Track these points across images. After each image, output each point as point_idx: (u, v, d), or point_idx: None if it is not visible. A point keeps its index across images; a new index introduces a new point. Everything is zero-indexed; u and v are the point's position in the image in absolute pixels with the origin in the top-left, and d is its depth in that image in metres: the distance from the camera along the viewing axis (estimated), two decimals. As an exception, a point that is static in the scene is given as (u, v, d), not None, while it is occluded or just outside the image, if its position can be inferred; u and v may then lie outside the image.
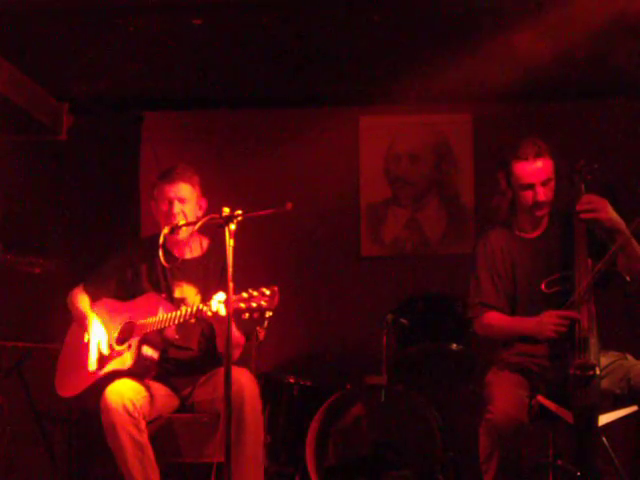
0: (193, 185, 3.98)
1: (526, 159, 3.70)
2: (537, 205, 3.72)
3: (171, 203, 3.92)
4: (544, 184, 3.71)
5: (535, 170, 3.70)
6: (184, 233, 3.93)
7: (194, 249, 4.06)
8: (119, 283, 4.03)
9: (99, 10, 4.39)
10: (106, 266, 4.10)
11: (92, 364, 3.84)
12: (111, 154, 5.64)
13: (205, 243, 4.08)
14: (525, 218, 3.83)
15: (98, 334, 3.87)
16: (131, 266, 4.03)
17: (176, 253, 4.02)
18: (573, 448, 3.45)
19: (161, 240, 3.72)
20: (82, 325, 3.96)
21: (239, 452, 3.60)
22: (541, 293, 3.62)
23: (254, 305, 3.31)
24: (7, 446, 4.55)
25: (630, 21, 4.27)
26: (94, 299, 4.04)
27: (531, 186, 3.70)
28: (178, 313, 3.69)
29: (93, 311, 3.98)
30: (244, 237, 3.39)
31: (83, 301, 4.03)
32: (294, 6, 4.43)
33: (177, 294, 3.97)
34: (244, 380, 3.70)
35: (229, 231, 3.30)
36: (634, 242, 3.55)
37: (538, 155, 3.70)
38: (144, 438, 3.65)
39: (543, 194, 3.70)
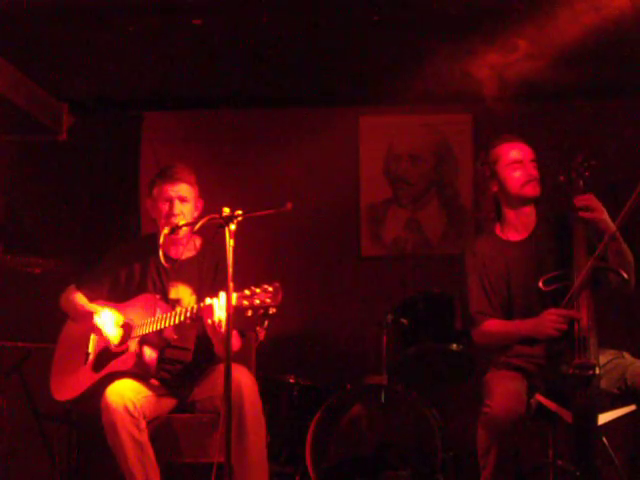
0: (192, 185, 3.96)
1: (511, 140, 3.81)
2: (529, 180, 3.72)
3: (172, 203, 3.90)
4: (531, 162, 3.76)
5: (522, 148, 3.79)
6: (182, 233, 3.92)
7: (188, 249, 4.03)
8: (112, 284, 4.00)
9: (99, 10, 4.39)
10: (99, 268, 4.07)
11: (115, 339, 3.80)
12: (111, 154, 5.65)
13: (198, 242, 4.05)
14: (512, 217, 3.79)
15: (109, 317, 3.84)
16: (124, 267, 4.00)
17: (172, 253, 3.99)
18: (573, 448, 3.45)
19: (161, 240, 3.71)
20: (86, 320, 3.89)
21: (241, 452, 3.59)
22: (538, 293, 3.60)
23: (257, 302, 3.29)
24: (7, 446, 4.55)
25: (632, 19, 4.28)
26: (89, 300, 4.01)
27: (520, 162, 3.75)
28: (175, 313, 3.67)
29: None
30: (244, 237, 3.39)
31: (82, 299, 3.99)
32: (294, 6, 4.43)
33: (172, 295, 3.94)
34: (242, 377, 3.68)
35: (229, 231, 3.29)
36: (624, 244, 3.55)
37: (521, 140, 3.82)
38: (144, 438, 3.64)
39: (533, 169, 3.75)
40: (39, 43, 4.69)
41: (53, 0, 4.30)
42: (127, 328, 3.83)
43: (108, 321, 3.83)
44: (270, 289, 3.30)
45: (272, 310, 3.30)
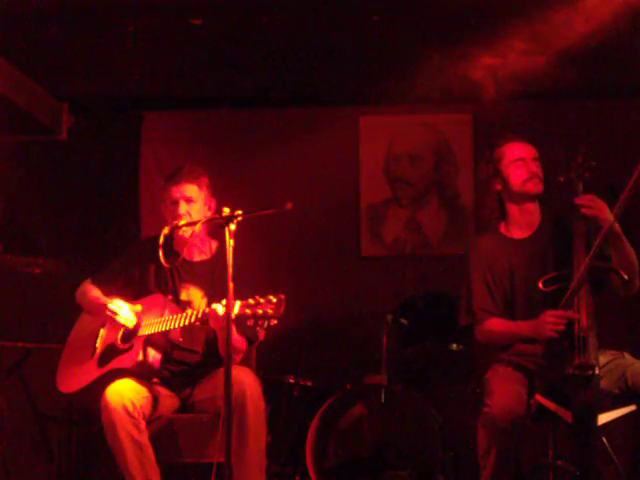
0: (200, 185, 3.95)
1: (515, 139, 3.83)
2: (531, 178, 3.73)
3: (176, 203, 3.90)
4: (534, 161, 3.77)
5: (525, 146, 3.81)
6: (187, 232, 3.90)
7: (203, 251, 4.04)
8: (127, 282, 4.01)
9: (99, 10, 4.39)
10: (114, 265, 4.08)
11: (130, 323, 3.81)
12: (111, 154, 5.65)
13: (214, 246, 4.06)
14: (516, 214, 3.80)
15: (123, 304, 3.85)
16: (139, 266, 4.01)
17: (185, 255, 3.96)
18: (573, 448, 3.45)
19: (161, 240, 3.70)
20: (99, 312, 3.89)
21: (241, 454, 3.59)
22: (539, 292, 3.60)
23: (260, 312, 3.29)
24: (7, 446, 4.54)
25: (631, 19, 4.28)
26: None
27: (523, 160, 3.76)
28: (183, 315, 3.68)
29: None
30: (245, 238, 3.39)
31: (96, 291, 4.00)
32: (294, 6, 4.43)
33: (183, 297, 3.95)
34: (247, 380, 3.68)
35: (229, 231, 3.30)
36: (626, 243, 3.55)
37: (525, 139, 3.83)
38: (144, 438, 3.64)
39: (535, 167, 3.76)
40: (39, 43, 4.69)
41: (53, 0, 4.31)
42: (134, 327, 3.83)
43: (123, 306, 3.84)
44: (274, 300, 3.30)
45: (273, 321, 3.31)
